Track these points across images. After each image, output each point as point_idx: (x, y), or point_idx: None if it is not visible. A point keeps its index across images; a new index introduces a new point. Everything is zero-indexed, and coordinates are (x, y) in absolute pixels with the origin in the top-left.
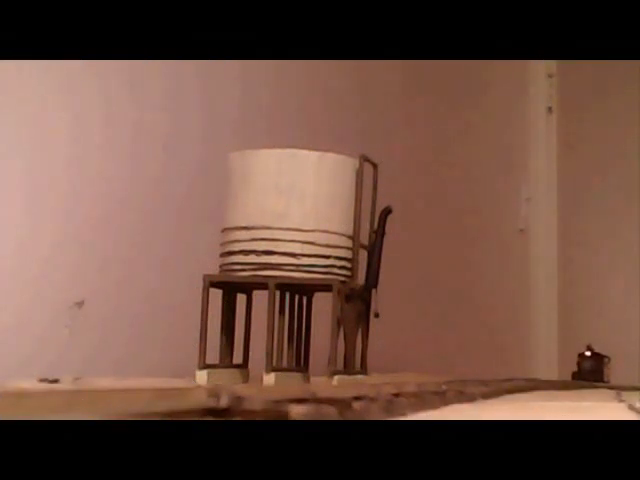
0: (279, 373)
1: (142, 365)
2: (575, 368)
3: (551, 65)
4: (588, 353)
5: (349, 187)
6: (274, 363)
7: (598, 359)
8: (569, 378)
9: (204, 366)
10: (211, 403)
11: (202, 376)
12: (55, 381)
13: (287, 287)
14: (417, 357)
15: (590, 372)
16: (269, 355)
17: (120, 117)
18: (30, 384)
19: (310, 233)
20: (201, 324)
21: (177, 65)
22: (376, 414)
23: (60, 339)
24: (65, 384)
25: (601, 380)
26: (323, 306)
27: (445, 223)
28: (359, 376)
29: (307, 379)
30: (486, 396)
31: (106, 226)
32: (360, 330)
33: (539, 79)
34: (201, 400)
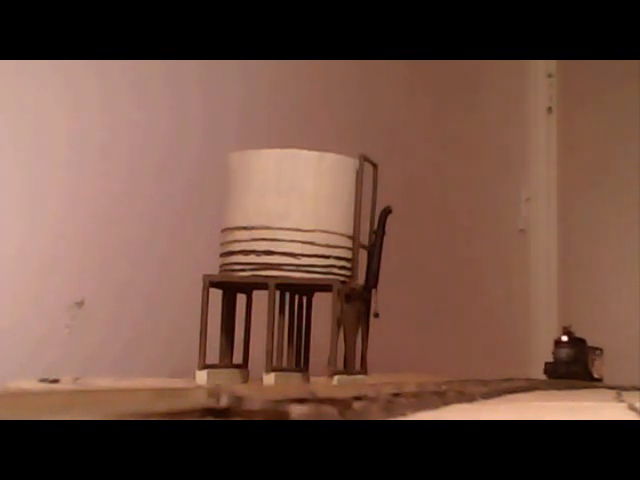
0: (279, 373)
1: (142, 365)
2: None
3: (551, 65)
4: (565, 338)
5: (349, 187)
6: (274, 363)
7: (579, 346)
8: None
9: (204, 366)
10: (211, 403)
11: (202, 376)
12: (55, 381)
13: (287, 287)
14: (417, 357)
15: (567, 362)
16: (269, 355)
17: (120, 117)
18: (30, 384)
19: (310, 233)
20: (201, 324)
21: (178, 65)
22: (376, 414)
23: (60, 339)
24: (65, 384)
25: (585, 373)
26: (323, 306)
27: (445, 223)
28: (359, 376)
29: (307, 379)
30: (486, 396)
31: (106, 226)
32: (360, 330)
33: (539, 79)
34: (201, 400)
